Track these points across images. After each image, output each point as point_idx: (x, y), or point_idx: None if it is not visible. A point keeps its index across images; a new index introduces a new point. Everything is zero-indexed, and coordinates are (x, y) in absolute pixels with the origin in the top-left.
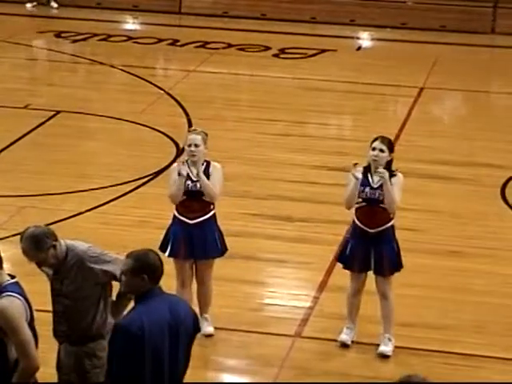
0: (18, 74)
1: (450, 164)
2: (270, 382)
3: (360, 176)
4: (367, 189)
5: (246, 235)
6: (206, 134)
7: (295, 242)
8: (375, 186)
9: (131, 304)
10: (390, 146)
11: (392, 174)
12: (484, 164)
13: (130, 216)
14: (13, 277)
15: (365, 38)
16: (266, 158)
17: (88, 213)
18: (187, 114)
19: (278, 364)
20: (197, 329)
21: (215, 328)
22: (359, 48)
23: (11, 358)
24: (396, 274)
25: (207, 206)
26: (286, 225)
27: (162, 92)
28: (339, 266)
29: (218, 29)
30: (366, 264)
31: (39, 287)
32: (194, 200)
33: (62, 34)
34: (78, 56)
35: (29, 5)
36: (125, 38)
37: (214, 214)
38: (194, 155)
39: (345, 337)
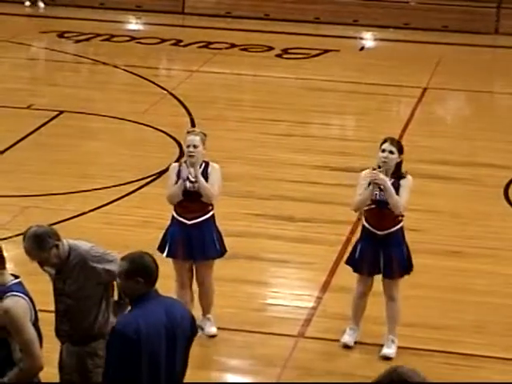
0: (21, 74)
1: (452, 164)
2: (273, 382)
3: (385, 180)
4: (377, 191)
5: (248, 235)
6: (205, 135)
7: (298, 242)
8: None
9: None
10: (400, 147)
11: (402, 176)
12: (486, 164)
13: (133, 216)
14: (16, 277)
15: (368, 39)
16: (269, 159)
17: (91, 213)
18: (190, 114)
19: (280, 364)
20: (194, 331)
21: (218, 328)
22: (362, 48)
23: (16, 358)
24: None
25: (206, 206)
26: (289, 225)
27: (165, 92)
28: (342, 266)
29: (221, 29)
30: (374, 267)
31: (42, 287)
32: (192, 201)
33: (65, 34)
34: (80, 56)
35: (27, 3)
36: (128, 38)
37: (213, 215)
38: (192, 156)
39: (347, 338)
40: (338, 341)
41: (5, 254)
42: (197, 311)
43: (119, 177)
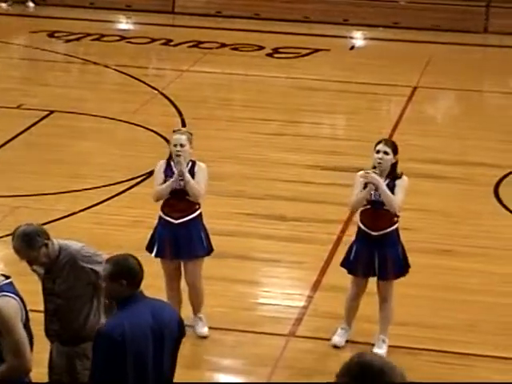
0: (11, 73)
1: (443, 163)
2: (264, 381)
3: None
4: (372, 191)
5: (239, 235)
6: (191, 134)
7: (289, 242)
8: None
9: None
10: (394, 148)
11: (397, 177)
12: (476, 163)
13: (123, 216)
14: (7, 277)
15: (358, 38)
16: (260, 158)
17: (82, 213)
18: (181, 114)
19: (271, 364)
20: (182, 333)
21: (208, 328)
22: (352, 47)
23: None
24: None
25: (192, 205)
26: (280, 224)
27: (156, 92)
28: (333, 265)
29: (212, 28)
30: (369, 268)
31: (32, 287)
32: (178, 199)
33: (55, 34)
34: (71, 56)
35: (4, 4)
36: (118, 38)
37: (200, 214)
38: (179, 155)
39: (337, 339)
40: (329, 340)
41: None
42: (188, 311)
43: (110, 177)
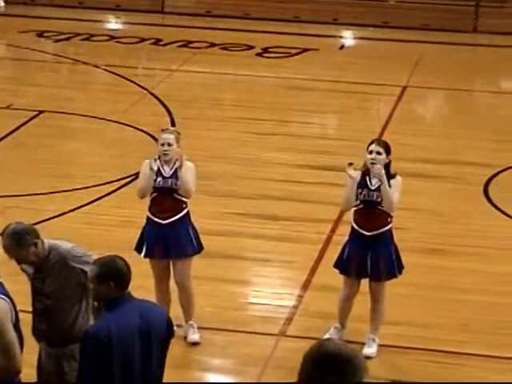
0: (0, 73)
1: (433, 162)
2: (254, 381)
3: (355, 175)
4: (365, 191)
5: (230, 234)
6: (179, 133)
7: (279, 241)
8: (373, 188)
9: None
10: (387, 147)
11: (391, 177)
12: (467, 162)
13: (113, 216)
14: None
15: (348, 37)
16: (250, 158)
17: (72, 213)
18: (170, 114)
19: (261, 363)
20: (170, 333)
21: (198, 328)
22: (342, 47)
23: None
24: None
25: (179, 204)
26: (271, 224)
27: (145, 92)
28: (323, 264)
29: (201, 28)
30: (362, 269)
31: (22, 287)
32: (165, 198)
33: (44, 34)
34: (60, 56)
35: None
36: (107, 38)
37: (188, 212)
38: (166, 154)
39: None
40: (319, 339)
41: None
42: (177, 312)
43: (99, 177)
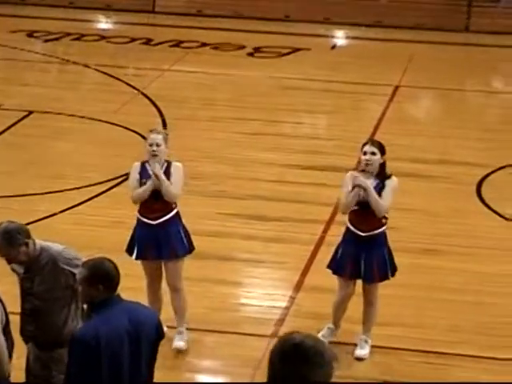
0: None
1: (425, 162)
2: (246, 382)
3: (368, 183)
4: (361, 192)
5: (221, 235)
6: (167, 134)
7: (271, 242)
8: None
9: None
10: (381, 148)
11: (387, 177)
12: (459, 162)
13: (104, 217)
14: None
15: (339, 37)
16: (242, 158)
17: (62, 213)
18: (161, 114)
19: (254, 365)
20: (160, 335)
21: (190, 329)
22: (334, 46)
23: None
24: None
25: (169, 205)
26: (262, 224)
27: (136, 91)
28: (315, 265)
29: (193, 28)
30: (355, 269)
31: (11, 289)
32: (154, 199)
33: (34, 34)
34: (50, 56)
35: None
36: (98, 38)
37: (178, 212)
38: (155, 155)
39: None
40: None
41: None
42: (168, 314)
43: (90, 177)
